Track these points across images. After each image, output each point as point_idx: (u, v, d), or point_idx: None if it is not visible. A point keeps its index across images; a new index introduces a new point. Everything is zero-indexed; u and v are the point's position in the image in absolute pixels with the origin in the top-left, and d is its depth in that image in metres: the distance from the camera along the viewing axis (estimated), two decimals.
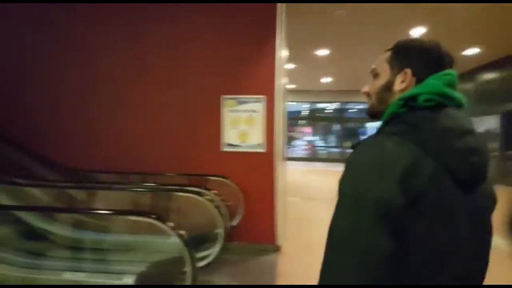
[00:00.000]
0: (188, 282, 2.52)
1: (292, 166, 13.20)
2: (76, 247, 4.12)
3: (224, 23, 4.62)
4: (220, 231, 3.70)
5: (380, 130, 0.92)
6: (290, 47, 7.14)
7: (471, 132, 0.83)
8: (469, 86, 11.50)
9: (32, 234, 4.07)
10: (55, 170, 4.86)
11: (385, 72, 1.00)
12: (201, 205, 3.73)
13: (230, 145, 4.63)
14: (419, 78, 0.91)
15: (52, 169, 4.86)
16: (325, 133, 22.55)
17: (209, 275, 3.56)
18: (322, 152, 21.56)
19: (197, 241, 3.46)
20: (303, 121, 23.61)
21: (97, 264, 3.69)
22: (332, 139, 22.87)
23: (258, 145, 4.59)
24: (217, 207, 3.74)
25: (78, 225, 4.32)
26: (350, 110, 22.00)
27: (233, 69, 4.63)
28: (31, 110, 4.94)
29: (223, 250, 3.68)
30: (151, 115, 4.75)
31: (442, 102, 0.85)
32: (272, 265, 4.12)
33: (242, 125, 4.61)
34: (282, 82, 4.91)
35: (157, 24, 4.72)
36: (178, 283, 2.81)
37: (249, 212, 4.45)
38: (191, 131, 4.68)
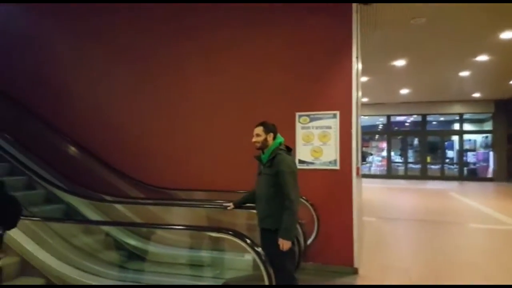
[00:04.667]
0: None
1: (367, 184, 12.58)
2: (155, 261, 4.36)
3: (299, 41, 4.65)
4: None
5: (276, 152, 2.89)
6: (364, 59, 6.91)
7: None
8: None
9: (115, 247, 4.41)
10: (138, 187, 5.25)
11: (263, 134, 2.95)
12: None
13: (302, 162, 4.55)
14: (275, 136, 2.97)
15: (135, 186, 5.26)
16: (403, 148, 21.14)
17: None
18: (400, 169, 20.18)
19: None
20: (378, 136, 22.49)
21: (175, 278, 3.84)
22: (411, 154, 21.33)
23: (332, 162, 4.44)
24: None
25: (157, 240, 4.58)
26: (432, 123, 20.41)
27: (308, 85, 4.61)
28: (123, 133, 5.43)
29: (297, 269, 3.57)
30: (225, 134, 4.90)
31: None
32: None
33: (315, 141, 4.52)
34: (357, 96, 4.74)
35: (232, 44, 4.92)
36: None
37: (324, 231, 4.29)
38: None
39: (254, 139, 2.95)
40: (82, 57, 5.67)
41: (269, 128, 2.96)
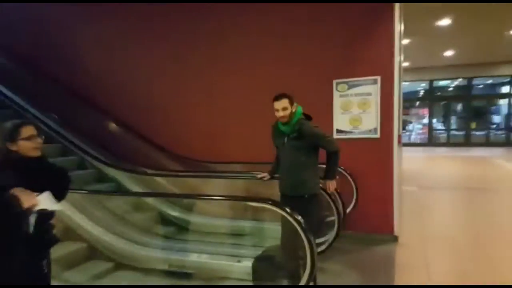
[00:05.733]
0: (307, 267, 2.52)
1: (408, 152, 12.20)
2: (198, 231, 4.55)
3: (335, 3, 4.41)
4: (333, 218, 3.62)
5: (301, 122, 2.89)
6: (405, 19, 6.50)
7: None
8: None
9: (161, 220, 4.63)
10: (178, 160, 5.41)
11: (289, 107, 2.84)
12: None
13: (340, 131, 4.47)
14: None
15: (175, 160, 5.43)
16: (445, 114, 20.10)
17: (325, 263, 3.53)
18: (442, 136, 19.31)
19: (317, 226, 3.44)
20: (420, 102, 21.48)
21: (218, 247, 4.00)
22: (454, 121, 20.29)
23: (372, 131, 4.32)
24: (329, 194, 3.66)
25: (199, 212, 4.75)
26: (477, 86, 19.15)
27: (346, 50, 4.42)
28: (161, 110, 5.55)
29: (337, 238, 3.60)
30: (263, 105, 4.86)
31: None
32: (390, 256, 3.91)
33: (354, 109, 4.39)
34: (399, 60, 4.51)
35: (268, 9, 4.74)
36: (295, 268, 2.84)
37: (364, 200, 4.26)
38: None
39: (281, 113, 2.81)
40: (124, 41, 5.73)
41: (292, 99, 2.89)
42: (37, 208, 1.65)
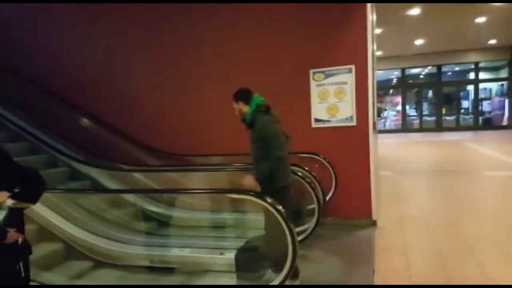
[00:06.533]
0: (289, 256, 2.55)
1: (383, 139, 12.50)
2: (180, 226, 4.52)
3: None
4: (314, 206, 3.68)
5: (253, 116, 2.88)
6: (377, 9, 6.60)
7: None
8: None
9: (141, 215, 4.57)
10: (156, 155, 5.33)
11: (236, 105, 2.97)
12: (294, 182, 3.73)
13: (318, 120, 4.52)
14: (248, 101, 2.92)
15: (153, 155, 5.34)
16: (417, 101, 20.69)
17: (306, 250, 3.59)
18: (415, 122, 19.91)
19: (291, 217, 3.49)
20: (393, 90, 22.01)
21: (201, 240, 3.99)
22: (426, 107, 20.93)
23: (348, 119, 4.40)
24: (309, 183, 3.71)
25: (180, 206, 4.71)
26: (447, 73, 19.78)
27: (321, 40, 4.45)
28: (136, 103, 5.44)
29: (318, 225, 3.66)
30: None
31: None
32: (370, 240, 4.01)
33: (330, 98, 4.45)
34: (372, 48, 4.58)
35: (242, 3, 4.72)
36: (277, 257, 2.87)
37: (343, 187, 4.34)
38: (281, 110, 4.63)
39: (236, 113, 2.97)
40: (97, 31, 5.56)
41: (237, 96, 2.94)
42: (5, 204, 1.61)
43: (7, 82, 5.57)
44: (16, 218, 1.81)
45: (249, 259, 3.30)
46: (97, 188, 4.83)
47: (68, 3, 5.51)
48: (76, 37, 5.66)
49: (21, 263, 1.86)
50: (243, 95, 2.94)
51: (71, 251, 3.60)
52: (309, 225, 3.67)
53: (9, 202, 1.68)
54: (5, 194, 1.69)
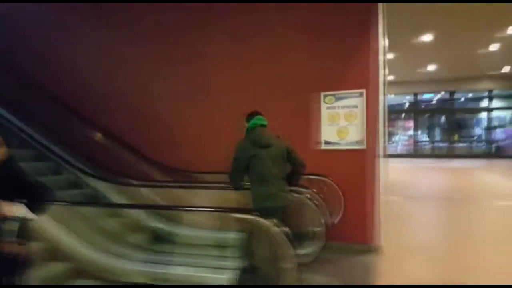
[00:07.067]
0: (289, 278, 2.51)
1: (393, 163, 12.38)
2: (182, 243, 4.47)
3: (323, 18, 4.50)
4: (320, 229, 3.63)
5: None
6: (389, 35, 6.67)
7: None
8: None
9: (143, 231, 4.53)
10: (162, 170, 5.34)
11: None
12: (301, 203, 3.70)
13: (328, 142, 4.51)
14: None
15: (159, 169, 5.35)
16: (429, 126, 20.54)
17: (310, 273, 3.51)
18: (426, 147, 19.71)
19: (297, 239, 3.44)
20: (404, 115, 21.93)
21: (202, 259, 3.93)
22: (438, 133, 20.76)
23: (358, 142, 4.38)
24: (316, 205, 3.67)
25: (183, 223, 4.67)
26: (459, 100, 19.69)
27: (333, 64, 4.49)
28: (148, 120, 5.51)
29: (323, 248, 3.60)
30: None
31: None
32: (372, 265, 3.92)
33: (340, 121, 4.45)
34: (384, 73, 4.60)
35: (255, 24, 4.82)
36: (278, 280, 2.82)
37: (349, 211, 4.28)
38: (291, 131, 4.62)
39: None
40: (102, 43, 5.72)
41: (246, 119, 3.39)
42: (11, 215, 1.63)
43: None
44: (23, 231, 1.82)
45: (249, 279, 3.25)
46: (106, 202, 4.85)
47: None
48: (84, 48, 5.81)
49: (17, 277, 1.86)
50: (247, 118, 3.38)
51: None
52: (314, 248, 3.61)
53: (23, 213, 1.70)
54: (22, 206, 1.71)
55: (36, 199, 1.89)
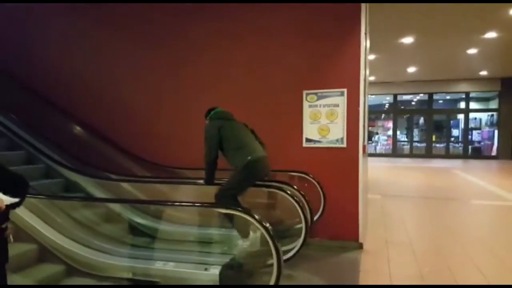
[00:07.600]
0: (274, 274, 2.55)
1: (373, 162, 12.61)
2: (165, 239, 4.46)
3: (306, 18, 4.56)
4: (301, 226, 3.68)
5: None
6: (371, 36, 6.81)
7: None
8: None
9: (126, 227, 4.51)
10: (145, 166, 5.30)
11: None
12: (283, 200, 3.75)
13: (309, 140, 4.58)
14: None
15: (142, 166, 5.32)
16: (408, 127, 21.04)
17: (292, 270, 3.57)
18: (406, 147, 20.18)
19: (278, 235, 3.50)
20: (384, 115, 22.38)
21: (185, 255, 3.93)
22: (417, 133, 21.28)
23: (339, 140, 4.46)
24: (298, 202, 3.73)
25: (166, 219, 4.66)
26: (438, 101, 20.22)
27: (316, 63, 4.55)
28: (130, 113, 5.47)
29: (304, 245, 3.66)
30: (236, 113, 4.90)
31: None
32: (355, 262, 4.00)
33: (322, 119, 4.52)
34: (365, 73, 4.70)
35: (239, 22, 4.84)
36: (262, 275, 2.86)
37: (331, 208, 4.36)
38: (273, 128, 4.67)
39: None
40: (89, 40, 5.62)
41: (206, 116, 3.86)
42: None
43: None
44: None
45: (233, 275, 3.28)
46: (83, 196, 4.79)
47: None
48: (69, 45, 5.71)
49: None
50: (207, 113, 3.87)
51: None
52: (296, 244, 3.66)
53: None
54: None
55: (16, 191, 1.87)
